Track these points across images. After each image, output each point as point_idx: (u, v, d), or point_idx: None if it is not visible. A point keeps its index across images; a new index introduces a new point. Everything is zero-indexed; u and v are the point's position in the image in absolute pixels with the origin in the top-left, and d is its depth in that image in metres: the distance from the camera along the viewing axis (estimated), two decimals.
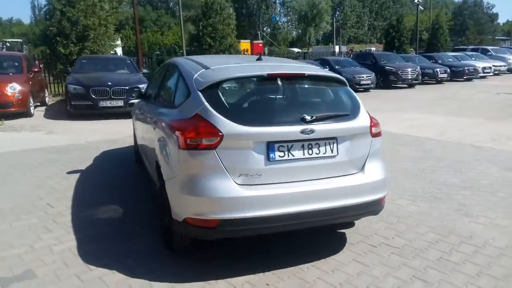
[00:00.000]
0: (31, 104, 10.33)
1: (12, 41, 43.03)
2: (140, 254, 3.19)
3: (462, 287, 2.80)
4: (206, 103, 2.83)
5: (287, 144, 2.81)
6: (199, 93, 2.92)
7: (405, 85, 19.24)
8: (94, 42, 14.72)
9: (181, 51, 21.35)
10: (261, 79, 3.07)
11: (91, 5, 14.50)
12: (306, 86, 3.30)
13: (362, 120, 3.09)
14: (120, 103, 9.76)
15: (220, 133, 2.69)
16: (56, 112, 11.05)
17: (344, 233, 3.62)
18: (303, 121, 2.83)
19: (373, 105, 13.19)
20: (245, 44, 41.19)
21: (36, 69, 11.39)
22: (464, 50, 27.32)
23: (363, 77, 17.68)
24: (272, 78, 3.07)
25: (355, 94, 3.33)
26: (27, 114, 10.13)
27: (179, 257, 3.14)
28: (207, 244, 3.28)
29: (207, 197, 2.70)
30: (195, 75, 3.10)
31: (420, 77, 18.87)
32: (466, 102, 13.13)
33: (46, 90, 12.81)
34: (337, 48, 44.56)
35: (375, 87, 18.24)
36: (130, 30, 45.79)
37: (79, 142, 7.33)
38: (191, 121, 2.84)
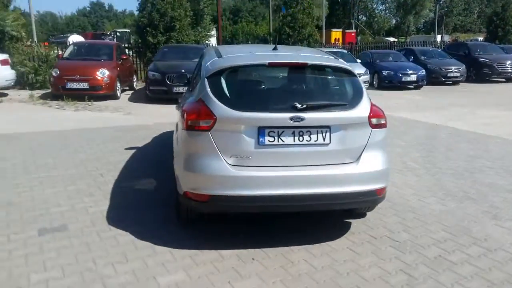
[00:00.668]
0: (118, 88, 11.56)
1: (122, 31, 47.28)
2: (153, 222, 3.60)
3: (447, 286, 2.74)
4: (208, 89, 3.11)
5: (278, 130, 2.97)
6: (206, 79, 3.20)
7: (502, 79, 17.47)
8: (180, 32, 15.77)
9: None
10: (263, 67, 3.26)
11: None
12: (309, 75, 3.39)
13: (360, 111, 3.11)
14: None
15: (214, 116, 2.95)
16: (139, 96, 12.19)
17: (350, 223, 3.66)
18: (294, 108, 2.96)
19: (453, 99, 12.34)
20: (336, 33, 40.36)
21: (124, 56, 12.66)
22: None
23: (451, 69, 16.44)
24: (273, 66, 3.23)
25: (361, 84, 3.33)
26: (114, 96, 11.37)
27: (184, 228, 3.50)
28: (211, 218, 3.59)
29: (201, 173, 3.00)
30: (208, 63, 3.39)
31: None
32: None
33: (135, 76, 14.15)
34: (439, 38, 41.53)
35: (465, 80, 16.88)
36: (227, 21, 47.62)
37: (147, 123, 8.10)
38: (195, 105, 3.15)
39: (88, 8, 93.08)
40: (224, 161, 2.97)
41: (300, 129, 2.99)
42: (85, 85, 10.78)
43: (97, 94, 10.91)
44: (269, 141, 2.97)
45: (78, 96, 10.77)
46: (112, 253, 3.08)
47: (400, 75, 15.17)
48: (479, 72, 17.16)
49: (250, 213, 3.51)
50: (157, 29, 15.49)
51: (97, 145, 6.30)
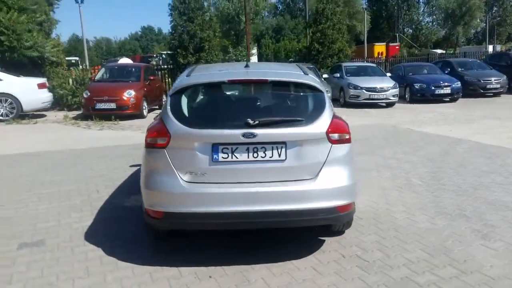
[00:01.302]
0: (144, 107, 12.01)
1: (167, 53, 49.15)
2: (128, 238, 3.67)
3: None
4: (168, 107, 3.18)
5: (231, 147, 2.97)
6: (169, 98, 3.28)
7: None
8: (209, 52, 16.21)
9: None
10: (223, 85, 3.29)
11: (208, 20, 16.01)
12: (269, 91, 3.37)
13: (317, 126, 3.04)
14: None
15: (168, 134, 3.01)
16: None
17: (323, 240, 3.55)
18: (247, 125, 2.95)
19: (489, 112, 11.71)
20: (380, 47, 39.80)
21: (152, 77, 13.17)
22: None
23: (490, 80, 15.63)
24: (233, 83, 3.25)
25: (326, 99, 3.25)
26: (140, 115, 11.82)
27: (154, 244, 3.54)
28: (182, 233, 3.62)
29: (155, 190, 3.04)
30: (175, 82, 3.48)
31: None
32: None
33: (164, 95, 14.66)
34: (490, 48, 39.75)
35: (508, 91, 15.98)
36: (269, 39, 48.28)
37: None
38: (155, 123, 3.23)
39: (139, 33, 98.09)
40: (179, 178, 3.00)
41: (254, 146, 2.97)
42: (112, 105, 11.32)
43: (124, 113, 11.40)
44: (223, 157, 2.97)
45: (106, 116, 11.31)
46: (76, 268, 3.16)
47: (433, 87, 14.61)
48: None
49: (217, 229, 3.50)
50: (187, 50, 16.01)
51: (105, 162, 6.56)
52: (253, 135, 2.92)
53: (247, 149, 2.97)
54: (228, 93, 3.37)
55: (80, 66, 15.87)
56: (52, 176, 5.80)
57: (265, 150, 2.97)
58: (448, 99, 14.68)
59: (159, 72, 16.42)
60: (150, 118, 11.99)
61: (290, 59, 28.61)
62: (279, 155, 2.98)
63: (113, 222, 4.07)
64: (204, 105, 3.34)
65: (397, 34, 51.98)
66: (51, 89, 13.35)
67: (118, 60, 27.04)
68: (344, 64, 15.75)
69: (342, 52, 18.46)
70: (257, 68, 3.87)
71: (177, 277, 3.02)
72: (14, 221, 4.15)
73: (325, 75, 14.48)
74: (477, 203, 4.38)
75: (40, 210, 4.45)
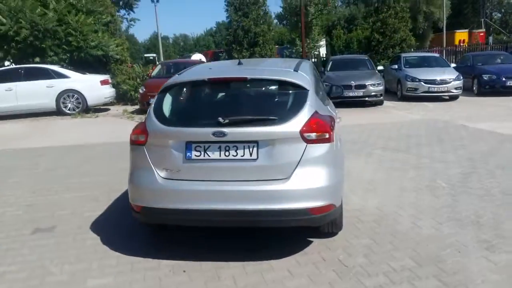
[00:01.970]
0: None
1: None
2: (129, 229, 3.85)
3: None
4: (152, 106, 3.30)
5: (204, 145, 3.00)
6: (156, 96, 3.40)
7: None
8: (264, 46, 16.27)
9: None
10: (203, 83, 3.32)
11: (262, 14, 16.07)
12: (249, 89, 3.32)
13: (291, 125, 2.94)
14: None
15: (146, 131, 3.12)
16: None
17: (311, 242, 3.45)
18: (218, 123, 2.96)
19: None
20: (461, 35, 37.09)
21: None
22: None
23: None
24: (213, 82, 3.27)
25: (307, 97, 3.13)
26: None
27: (148, 236, 3.71)
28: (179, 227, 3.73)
29: (136, 185, 3.19)
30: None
31: None
32: None
33: None
34: None
35: None
36: (341, 29, 47.13)
37: None
38: (140, 122, 3.36)
39: (214, 28, 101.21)
40: (156, 175, 3.10)
41: (226, 144, 2.97)
42: None
43: None
44: (195, 155, 3.02)
45: None
46: (70, 254, 3.42)
47: (504, 79, 13.29)
48: None
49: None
50: (241, 45, 16.22)
51: None
52: (223, 134, 2.92)
53: (219, 148, 2.98)
54: (209, 91, 3.40)
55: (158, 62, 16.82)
56: (88, 167, 6.26)
57: (237, 149, 2.97)
58: None
59: None
60: None
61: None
62: (251, 154, 2.95)
63: (120, 214, 4.30)
64: (182, 103, 3.40)
65: (483, 20, 47.72)
66: (115, 85, 14.33)
67: (191, 56, 27.91)
68: (403, 55, 14.88)
69: (405, 42, 17.44)
70: (248, 65, 3.83)
71: (155, 269, 3.14)
72: (38, 207, 4.57)
73: (379, 67, 13.81)
74: (500, 210, 3.96)
75: (64, 198, 4.85)
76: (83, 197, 4.86)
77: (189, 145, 3.02)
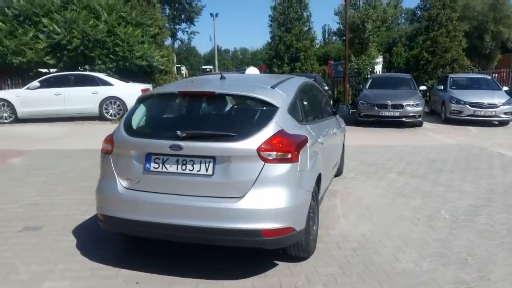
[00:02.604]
0: None
1: None
2: (105, 235, 3.90)
3: None
4: (124, 116, 3.37)
5: (163, 157, 3.00)
6: (131, 107, 3.47)
7: None
8: (305, 62, 16.18)
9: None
10: (173, 96, 3.33)
11: (306, 30, 16.03)
12: (217, 104, 3.28)
13: (248, 143, 2.86)
14: None
15: (112, 141, 3.19)
16: None
17: (276, 265, 3.30)
18: (176, 137, 2.95)
19: None
20: None
21: None
22: None
23: None
24: (183, 95, 3.28)
25: (275, 114, 3.04)
26: None
27: (124, 244, 3.76)
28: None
29: (100, 194, 3.26)
30: None
31: None
32: None
33: None
34: None
35: None
36: (402, 46, 45.95)
37: None
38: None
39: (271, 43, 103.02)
40: (119, 184, 3.14)
41: (183, 158, 2.95)
42: None
43: None
44: (154, 167, 3.02)
45: None
46: (42, 255, 3.52)
47: None
48: None
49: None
50: (282, 60, 16.24)
51: None
52: (180, 148, 2.91)
53: (177, 161, 2.97)
54: (178, 104, 3.41)
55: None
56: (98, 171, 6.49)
57: (193, 164, 2.94)
58: None
59: None
60: None
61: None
62: (207, 170, 2.91)
63: None
64: (150, 115, 3.43)
65: None
66: None
67: (245, 69, 28.43)
68: (451, 76, 14.12)
69: (457, 62, 16.54)
70: (229, 80, 3.80)
71: (112, 277, 3.16)
72: (38, 207, 4.79)
73: (422, 87, 13.17)
74: (498, 249, 3.59)
75: (65, 200, 5.05)
76: (83, 200, 5.03)
77: (148, 157, 3.04)
